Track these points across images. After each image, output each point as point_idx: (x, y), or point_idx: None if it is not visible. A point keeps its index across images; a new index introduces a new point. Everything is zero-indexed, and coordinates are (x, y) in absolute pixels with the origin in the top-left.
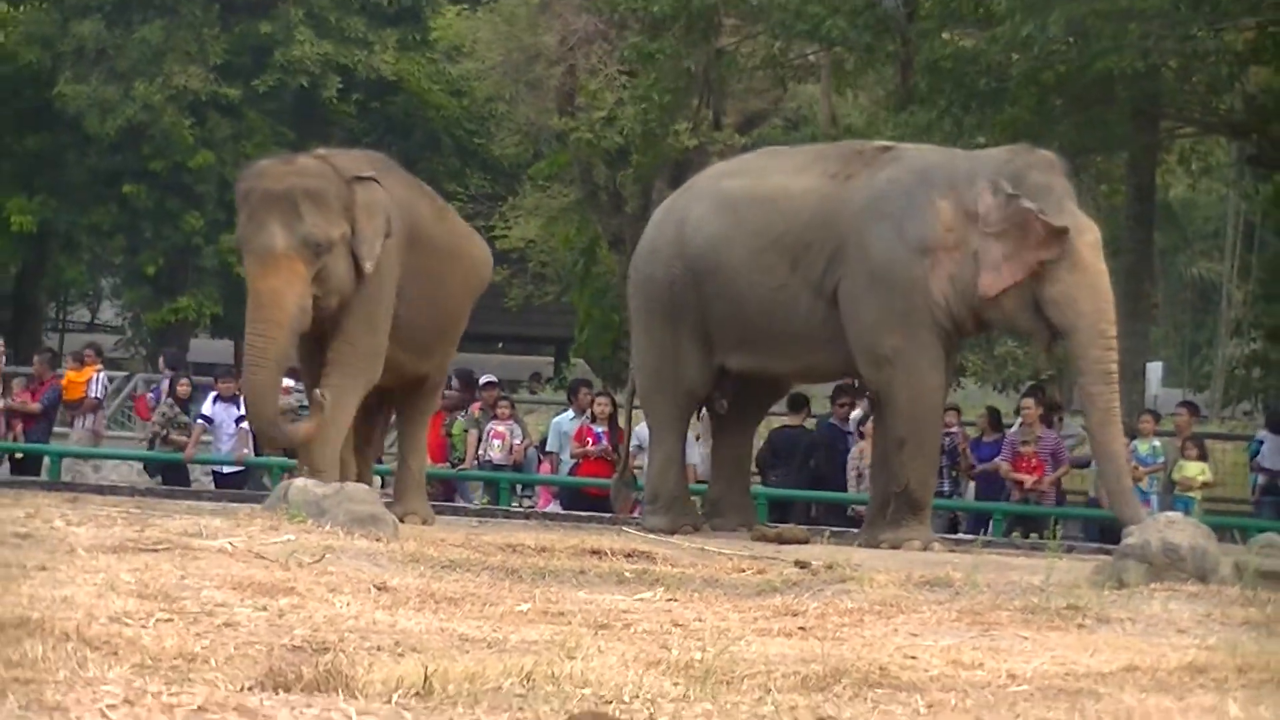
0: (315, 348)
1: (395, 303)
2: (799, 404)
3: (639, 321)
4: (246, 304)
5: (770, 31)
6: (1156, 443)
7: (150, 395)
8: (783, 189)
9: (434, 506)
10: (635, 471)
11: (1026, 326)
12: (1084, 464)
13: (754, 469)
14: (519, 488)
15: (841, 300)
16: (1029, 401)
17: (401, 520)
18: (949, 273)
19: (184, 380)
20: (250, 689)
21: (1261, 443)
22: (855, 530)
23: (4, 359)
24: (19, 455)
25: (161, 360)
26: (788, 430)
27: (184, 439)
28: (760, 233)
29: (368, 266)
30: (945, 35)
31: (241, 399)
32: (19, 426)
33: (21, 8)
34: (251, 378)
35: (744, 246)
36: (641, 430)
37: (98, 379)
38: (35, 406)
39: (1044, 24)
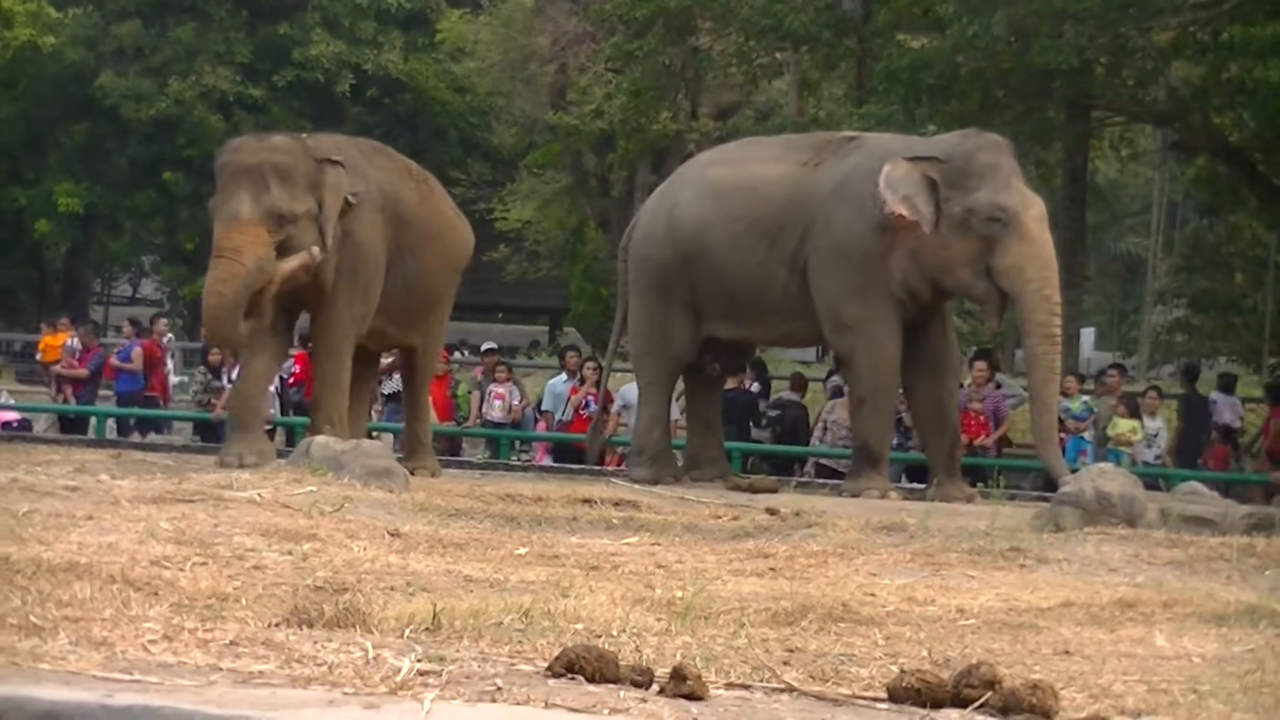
0: (291, 321)
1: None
2: (739, 370)
3: (634, 296)
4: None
5: (740, 29)
6: (1087, 398)
7: (116, 357)
8: (760, 176)
9: (441, 461)
10: (621, 428)
11: (980, 293)
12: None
13: None
14: (517, 444)
15: (810, 274)
16: (981, 364)
17: (411, 474)
18: (908, 248)
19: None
20: (277, 625)
21: (1214, 402)
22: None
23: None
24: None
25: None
26: (730, 392)
27: (217, 401)
28: (741, 216)
29: (317, 251)
30: (899, 36)
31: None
32: (69, 390)
33: (68, 12)
34: (210, 301)
35: (726, 229)
36: (626, 391)
37: (71, 343)
38: (83, 372)
39: (988, 24)
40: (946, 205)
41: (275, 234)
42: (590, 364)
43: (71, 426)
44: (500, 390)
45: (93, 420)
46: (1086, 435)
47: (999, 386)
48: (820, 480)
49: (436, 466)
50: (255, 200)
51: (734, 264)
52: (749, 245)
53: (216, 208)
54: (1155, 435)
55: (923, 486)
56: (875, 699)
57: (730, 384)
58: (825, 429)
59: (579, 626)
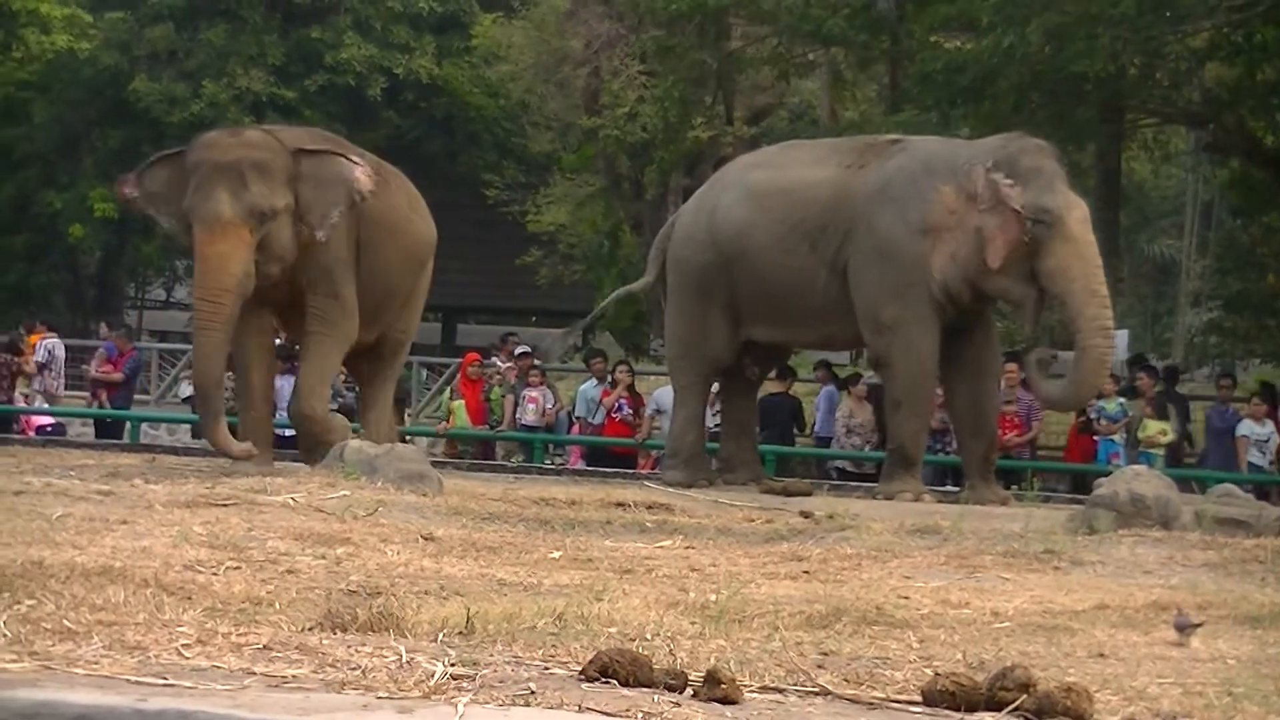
0: (268, 312)
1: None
2: (785, 374)
3: (672, 298)
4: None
5: (777, 32)
6: (1122, 400)
7: (103, 351)
8: (802, 180)
9: (474, 464)
10: (655, 431)
11: (1019, 296)
12: None
13: None
14: (551, 447)
15: (850, 275)
16: (1012, 366)
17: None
18: (950, 251)
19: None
20: (310, 629)
21: None
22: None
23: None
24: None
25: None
26: (773, 397)
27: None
28: (783, 219)
29: (320, 236)
30: (932, 39)
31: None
32: (104, 394)
33: (103, 17)
34: (201, 340)
35: (768, 232)
36: (660, 395)
37: (42, 345)
38: (118, 376)
39: (1024, 34)
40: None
41: (257, 232)
42: (622, 367)
43: (107, 430)
44: (533, 394)
45: (127, 424)
46: (1117, 439)
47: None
48: (839, 482)
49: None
50: (235, 199)
51: (775, 266)
52: (791, 247)
53: (194, 207)
54: (1266, 440)
55: (956, 489)
56: (909, 702)
57: (775, 389)
58: (848, 431)
59: (613, 630)
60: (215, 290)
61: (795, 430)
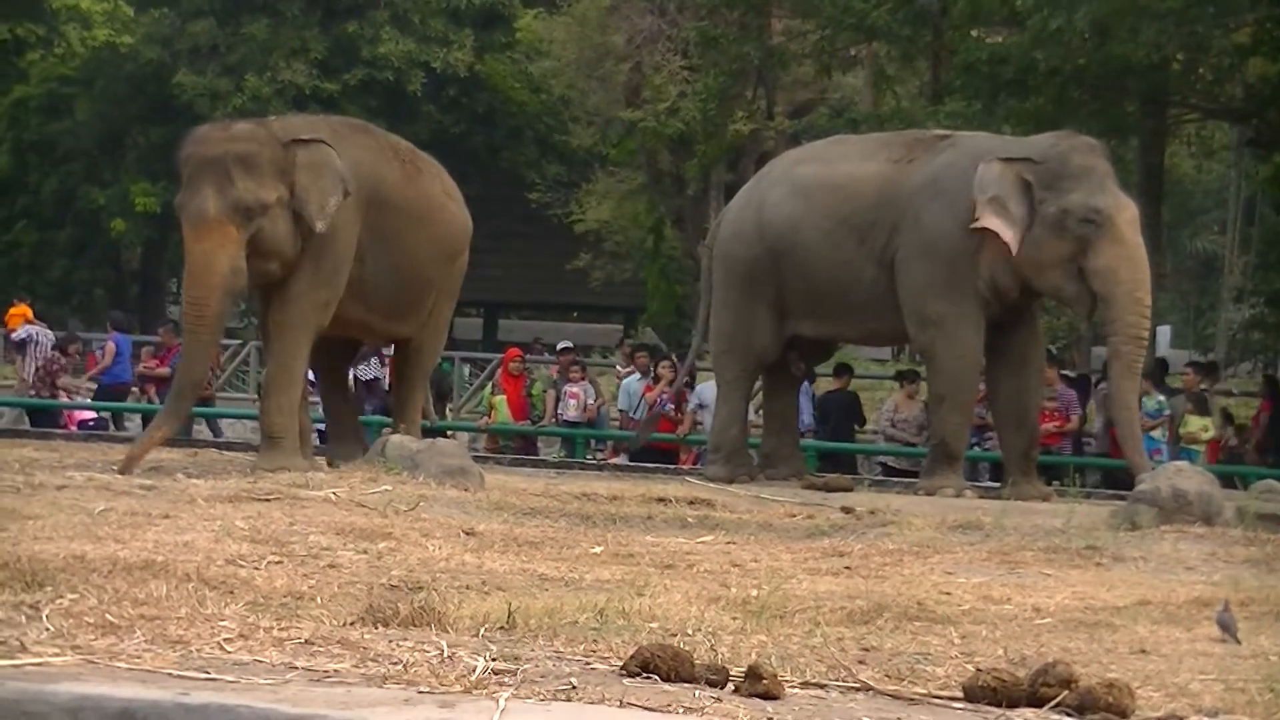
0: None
1: (356, 263)
2: (842, 371)
3: (718, 293)
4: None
5: (820, 25)
6: (1161, 398)
7: (98, 351)
8: (850, 174)
9: (516, 459)
10: (697, 426)
11: (1071, 294)
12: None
13: None
14: (593, 442)
15: (897, 268)
16: (1049, 364)
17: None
18: (998, 247)
19: None
20: (352, 624)
21: None
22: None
23: None
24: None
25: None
26: (832, 394)
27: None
28: (831, 214)
29: (319, 226)
30: (974, 33)
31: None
32: (151, 390)
33: (145, 12)
34: (189, 340)
35: (816, 227)
36: (703, 390)
37: (25, 327)
38: (165, 371)
39: (1071, 19)
40: (1041, 206)
41: (245, 228)
42: (665, 362)
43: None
44: (575, 389)
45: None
46: (1157, 434)
47: (1078, 388)
48: (881, 478)
49: None
50: (220, 195)
51: (823, 261)
52: (838, 242)
53: (182, 205)
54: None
55: (998, 485)
56: (951, 698)
57: (834, 386)
58: (894, 425)
59: (654, 625)
60: (200, 290)
61: (855, 426)
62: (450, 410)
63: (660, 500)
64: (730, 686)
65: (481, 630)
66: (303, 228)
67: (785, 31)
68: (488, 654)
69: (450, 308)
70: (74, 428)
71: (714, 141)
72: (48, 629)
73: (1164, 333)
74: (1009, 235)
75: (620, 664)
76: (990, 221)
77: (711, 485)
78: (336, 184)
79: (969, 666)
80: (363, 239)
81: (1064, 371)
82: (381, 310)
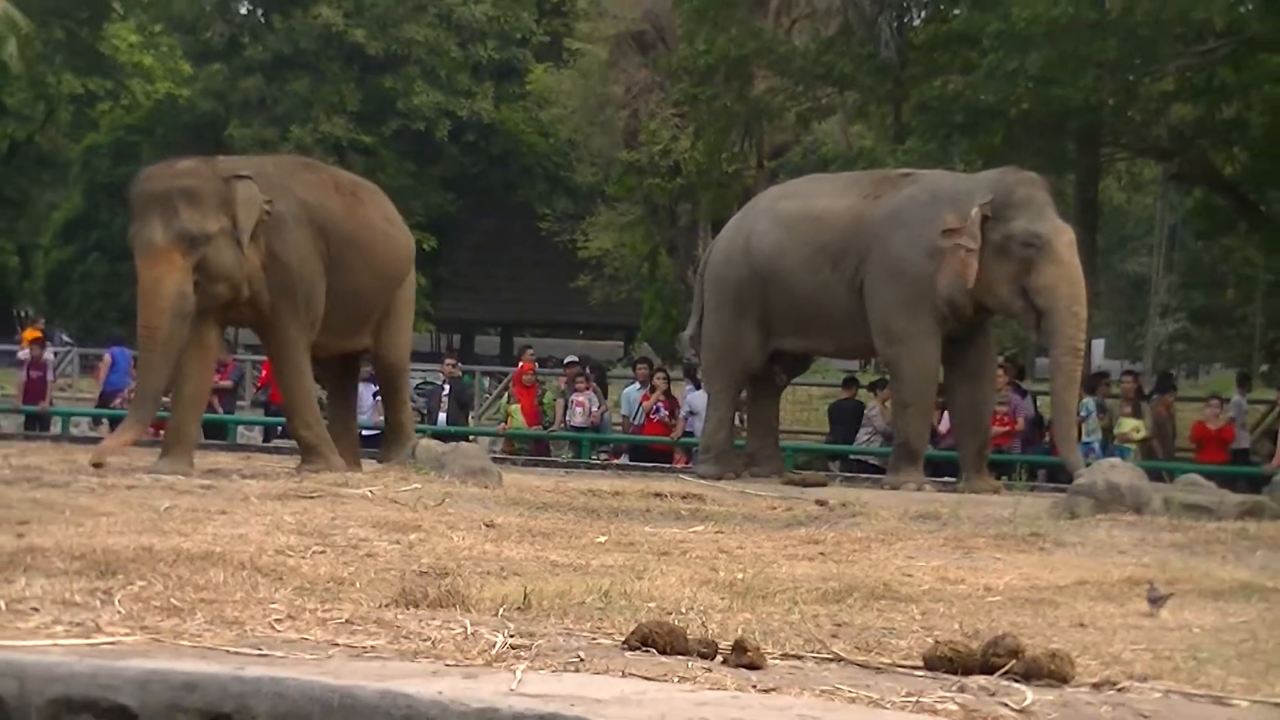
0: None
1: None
2: (850, 383)
3: (709, 312)
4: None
5: (794, 75)
6: (1089, 402)
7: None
8: (826, 208)
9: (529, 460)
10: (690, 429)
11: (1018, 309)
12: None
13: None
14: (597, 444)
15: (865, 290)
16: (999, 371)
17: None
18: (953, 269)
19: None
20: (386, 606)
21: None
22: (858, 475)
23: None
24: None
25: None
26: (841, 403)
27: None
28: (809, 243)
29: (243, 241)
30: (934, 82)
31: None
32: (215, 400)
33: (203, 68)
34: (144, 356)
35: (797, 254)
36: (693, 398)
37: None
38: (227, 384)
39: (1023, 62)
40: (989, 233)
41: (190, 255)
42: (659, 374)
43: (211, 433)
44: (580, 398)
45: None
46: (1090, 435)
47: (1024, 395)
48: (851, 475)
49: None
50: (166, 226)
51: (802, 284)
52: (816, 267)
53: (133, 236)
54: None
55: (954, 480)
56: (913, 667)
57: (844, 395)
58: (874, 431)
59: (652, 605)
60: (150, 314)
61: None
62: (472, 418)
63: (657, 495)
64: (719, 658)
65: (500, 610)
66: (272, 265)
67: (767, 87)
68: (506, 631)
69: (410, 316)
70: None
71: (713, 192)
72: (119, 612)
73: (1099, 345)
74: (973, 259)
75: (623, 639)
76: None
77: (702, 482)
78: (255, 213)
79: (929, 639)
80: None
81: (1013, 380)
82: (331, 330)
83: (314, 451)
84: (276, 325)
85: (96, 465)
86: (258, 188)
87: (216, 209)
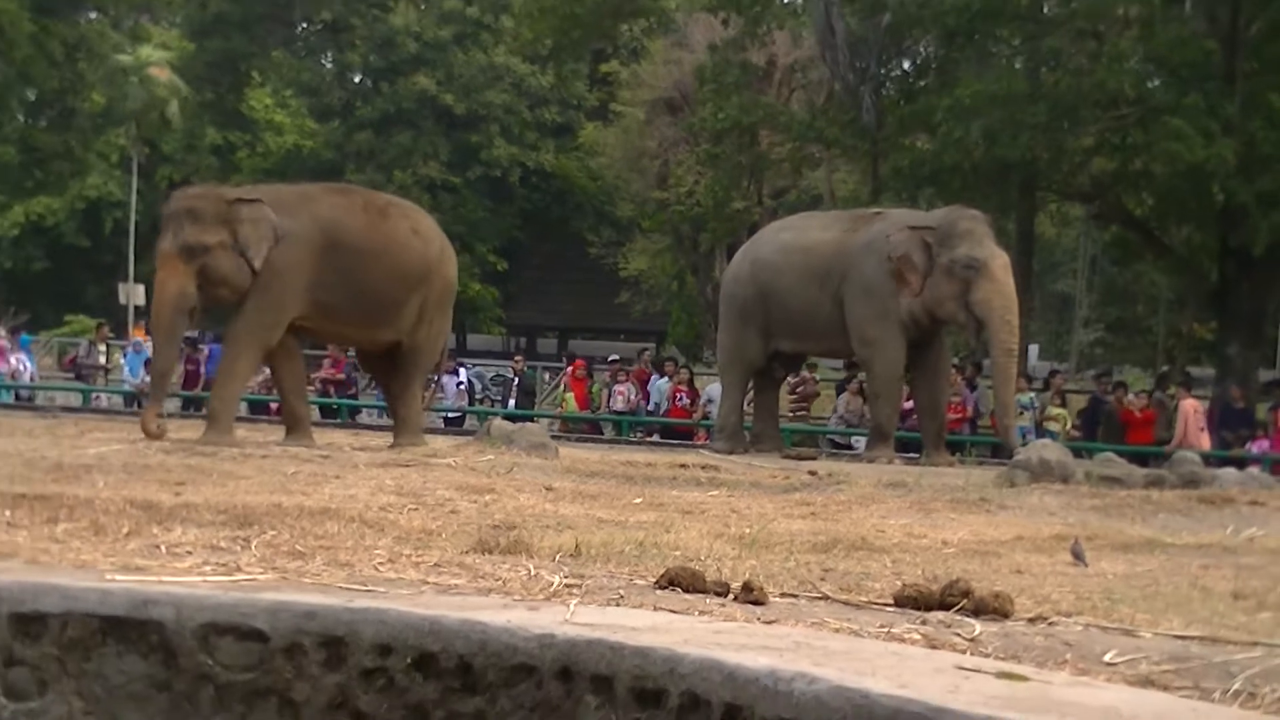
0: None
1: (314, 291)
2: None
3: (722, 321)
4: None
5: (791, 137)
6: (1031, 394)
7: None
8: (815, 239)
9: (580, 437)
10: (708, 414)
11: (962, 320)
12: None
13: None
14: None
15: (845, 304)
16: (953, 370)
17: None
18: (911, 289)
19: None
20: (466, 553)
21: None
22: (842, 452)
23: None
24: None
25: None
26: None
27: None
28: (802, 267)
29: (256, 264)
30: (904, 141)
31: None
32: (331, 389)
33: (324, 124)
34: (154, 343)
35: (792, 276)
36: (711, 389)
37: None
38: (340, 375)
39: (969, 129)
40: (937, 259)
41: (191, 263)
42: (682, 371)
43: (326, 414)
44: (621, 388)
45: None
46: (1027, 421)
47: (974, 389)
48: (836, 450)
49: (419, 442)
50: (174, 237)
51: (796, 299)
52: (807, 285)
53: (157, 244)
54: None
55: (918, 456)
56: (885, 605)
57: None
58: (840, 417)
59: (677, 553)
60: (156, 307)
61: None
62: (536, 403)
63: (682, 466)
64: (731, 596)
65: (556, 557)
66: (264, 269)
67: (770, 145)
68: (561, 574)
69: (444, 317)
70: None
71: (721, 223)
72: (255, 555)
73: (1034, 349)
74: (914, 278)
75: (654, 580)
76: (905, 265)
77: (717, 456)
78: (270, 233)
79: (898, 582)
80: (324, 273)
81: (968, 377)
82: (352, 324)
83: (214, 423)
84: (244, 309)
85: (154, 436)
86: (269, 210)
87: (216, 225)
